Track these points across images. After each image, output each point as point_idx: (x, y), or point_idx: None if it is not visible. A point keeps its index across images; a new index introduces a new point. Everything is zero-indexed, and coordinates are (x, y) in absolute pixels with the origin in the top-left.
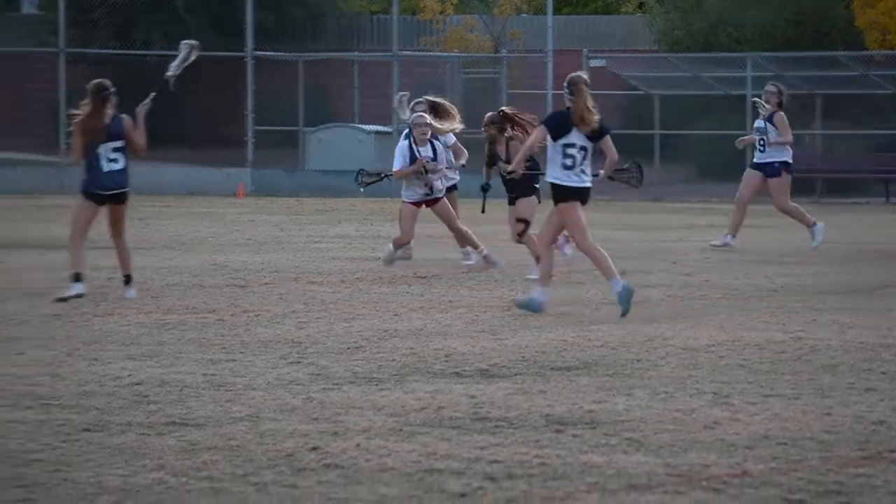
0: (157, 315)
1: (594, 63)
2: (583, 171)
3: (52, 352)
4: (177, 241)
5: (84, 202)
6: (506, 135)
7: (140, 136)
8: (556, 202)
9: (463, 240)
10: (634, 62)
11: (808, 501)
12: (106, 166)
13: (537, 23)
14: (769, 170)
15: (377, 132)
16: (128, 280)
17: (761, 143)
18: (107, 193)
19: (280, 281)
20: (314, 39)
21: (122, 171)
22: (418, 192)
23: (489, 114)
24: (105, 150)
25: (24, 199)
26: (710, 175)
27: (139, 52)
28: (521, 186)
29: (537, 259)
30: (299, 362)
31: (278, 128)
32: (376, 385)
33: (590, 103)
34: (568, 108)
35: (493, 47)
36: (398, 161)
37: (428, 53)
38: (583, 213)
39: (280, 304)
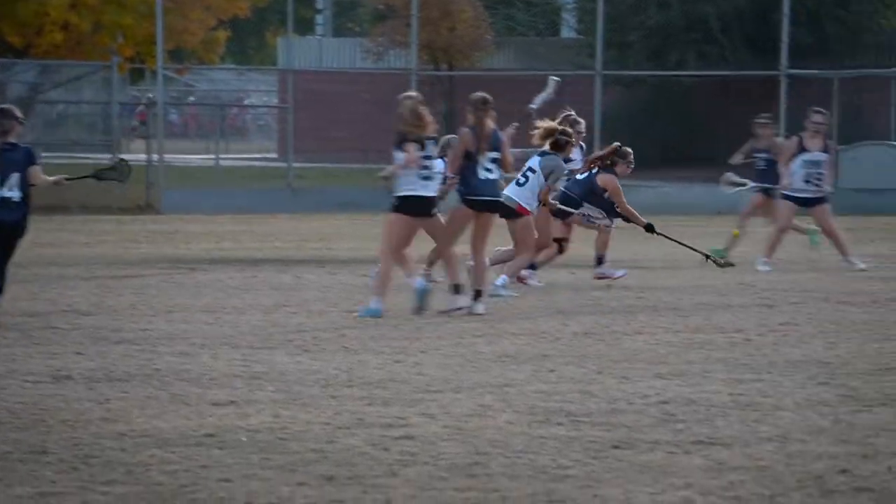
0: (685, 334)
1: None
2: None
3: (582, 369)
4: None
5: (457, 211)
6: None
7: (507, 155)
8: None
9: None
10: None
11: None
12: (482, 174)
13: None
14: None
15: None
16: (478, 295)
17: None
18: (481, 200)
19: (810, 301)
20: (850, 56)
21: (495, 181)
22: None
23: None
24: (483, 160)
25: None
26: None
27: (672, 73)
28: None
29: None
30: (828, 383)
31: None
32: None
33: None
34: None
35: None
36: None
37: None
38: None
39: (809, 324)
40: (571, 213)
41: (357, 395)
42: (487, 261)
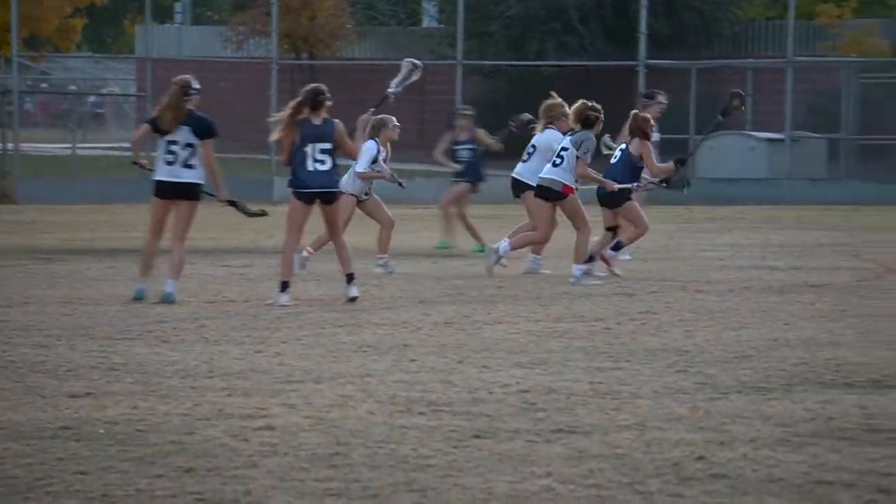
0: (545, 323)
1: None
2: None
3: (443, 359)
4: (551, 250)
5: (293, 202)
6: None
7: (349, 143)
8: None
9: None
10: None
11: None
12: (311, 166)
13: None
14: None
15: (769, 139)
16: (350, 279)
17: None
18: (308, 192)
19: (668, 290)
20: (707, 46)
21: (328, 171)
22: None
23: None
24: (312, 150)
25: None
26: None
27: (531, 63)
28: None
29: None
30: (686, 371)
31: (668, 136)
32: (764, 395)
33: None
34: None
35: (893, 51)
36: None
37: (823, 58)
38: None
39: (667, 312)
40: (626, 201)
41: (217, 385)
42: (349, 245)
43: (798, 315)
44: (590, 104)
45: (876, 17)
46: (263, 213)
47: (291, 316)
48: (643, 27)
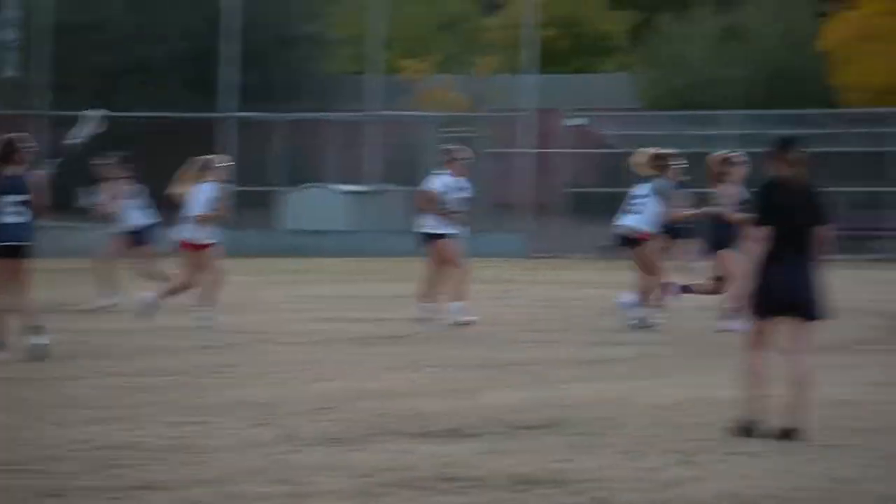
0: (127, 377)
1: (575, 122)
2: None
3: (18, 414)
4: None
5: None
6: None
7: (41, 198)
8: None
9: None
10: (614, 120)
11: None
12: (6, 218)
13: (516, 82)
14: None
15: (351, 192)
16: (35, 330)
17: None
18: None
19: (250, 342)
20: (294, 99)
21: (24, 224)
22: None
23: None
24: (5, 202)
25: None
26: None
27: (117, 113)
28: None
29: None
30: (267, 424)
31: (256, 188)
32: (344, 446)
33: None
34: None
35: (472, 106)
36: None
37: (406, 113)
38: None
39: (248, 365)
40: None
41: None
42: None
43: (379, 366)
44: (662, 151)
45: (455, 73)
46: None
47: None
48: (233, 79)
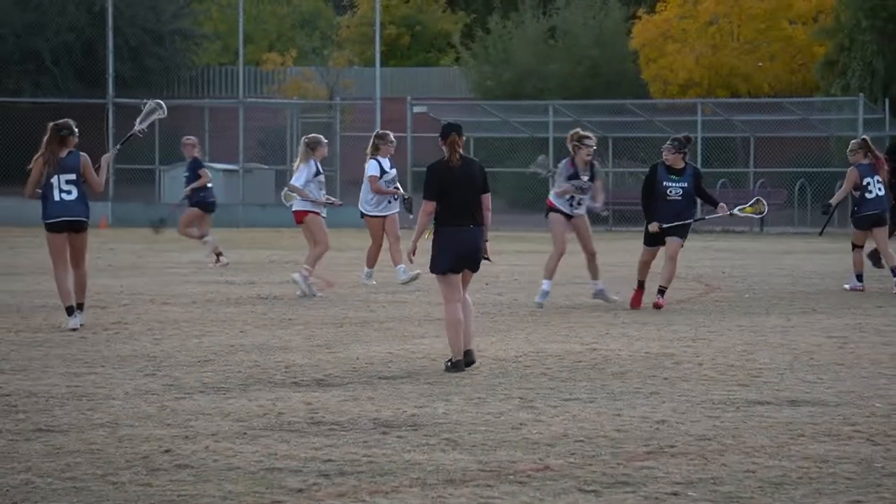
0: (26, 333)
1: (417, 109)
2: None
3: None
4: (42, 266)
5: (46, 234)
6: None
7: (95, 177)
8: None
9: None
10: (452, 108)
11: (600, 491)
12: (58, 195)
13: (367, 73)
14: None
15: (225, 170)
16: (80, 307)
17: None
18: (56, 222)
19: (137, 302)
20: (169, 88)
21: (76, 201)
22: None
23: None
24: (58, 181)
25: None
26: (517, 207)
27: (5, 99)
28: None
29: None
30: (154, 374)
31: (137, 166)
32: (223, 394)
33: None
34: None
35: (328, 95)
36: None
37: (270, 100)
38: None
39: (137, 322)
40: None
41: None
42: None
43: (252, 324)
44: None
45: (313, 65)
46: None
47: None
48: (111, 69)
